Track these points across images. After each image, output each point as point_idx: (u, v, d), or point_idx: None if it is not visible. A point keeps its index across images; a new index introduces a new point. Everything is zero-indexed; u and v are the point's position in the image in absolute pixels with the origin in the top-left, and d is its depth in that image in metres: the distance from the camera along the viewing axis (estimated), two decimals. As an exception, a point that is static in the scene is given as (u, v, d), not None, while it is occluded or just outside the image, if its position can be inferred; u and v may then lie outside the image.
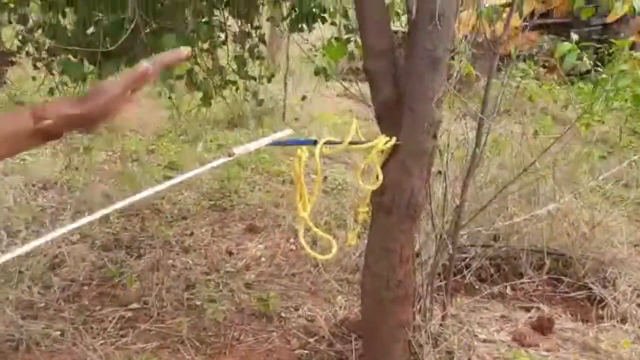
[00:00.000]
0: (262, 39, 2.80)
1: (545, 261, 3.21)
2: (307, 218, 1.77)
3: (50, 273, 3.16)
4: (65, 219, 3.73)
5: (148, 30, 2.13)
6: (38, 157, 4.91)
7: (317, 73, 2.86)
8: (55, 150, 5.09)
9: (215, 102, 4.37)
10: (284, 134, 0.97)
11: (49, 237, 0.85)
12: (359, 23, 1.86)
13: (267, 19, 3.15)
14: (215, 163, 0.87)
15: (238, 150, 0.89)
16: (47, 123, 0.87)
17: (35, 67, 2.32)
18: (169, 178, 3.59)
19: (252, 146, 0.93)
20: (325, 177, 4.75)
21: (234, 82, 2.80)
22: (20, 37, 2.29)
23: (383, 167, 1.86)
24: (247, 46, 2.65)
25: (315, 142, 1.59)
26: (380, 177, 1.83)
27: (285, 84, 6.54)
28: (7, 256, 0.83)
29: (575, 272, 3.22)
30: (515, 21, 2.59)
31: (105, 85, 0.90)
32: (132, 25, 1.96)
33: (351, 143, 1.74)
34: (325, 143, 1.71)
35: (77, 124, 0.91)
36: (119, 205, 0.86)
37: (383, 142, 1.80)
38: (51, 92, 2.61)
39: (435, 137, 1.85)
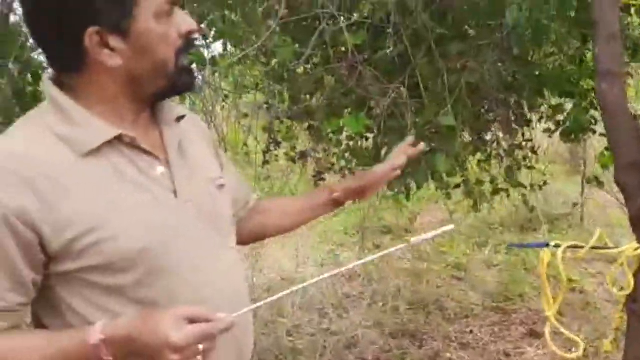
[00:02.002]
0: (533, 150, 3.03)
1: None
2: (553, 317, 1.91)
3: (347, 351, 3.75)
4: (362, 307, 4.37)
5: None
6: (350, 251, 5.82)
7: (589, 181, 2.92)
8: (362, 246, 5.95)
9: (502, 206, 4.64)
10: (448, 228, 1.16)
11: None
12: (608, 135, 2.00)
13: (544, 131, 3.37)
14: (393, 249, 1.13)
15: (414, 240, 1.14)
16: (337, 195, 1.40)
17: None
18: (455, 278, 3.99)
19: (427, 237, 1.13)
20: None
21: (506, 190, 3.06)
22: (334, 158, 3.03)
23: (636, 273, 1.89)
24: (518, 157, 2.91)
25: (547, 245, 1.78)
26: (632, 283, 1.87)
27: (583, 187, 6.37)
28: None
29: None
30: None
31: (374, 169, 1.44)
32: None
33: (595, 248, 1.85)
34: (568, 247, 1.87)
35: (356, 194, 1.45)
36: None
37: (633, 249, 1.85)
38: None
39: (694, 246, 1.81)
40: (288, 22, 2.58)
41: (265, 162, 2.77)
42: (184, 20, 1.00)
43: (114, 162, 0.98)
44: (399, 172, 1.47)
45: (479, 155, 3.02)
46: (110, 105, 0.99)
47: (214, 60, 2.21)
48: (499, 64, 2.42)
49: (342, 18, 2.45)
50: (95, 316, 0.95)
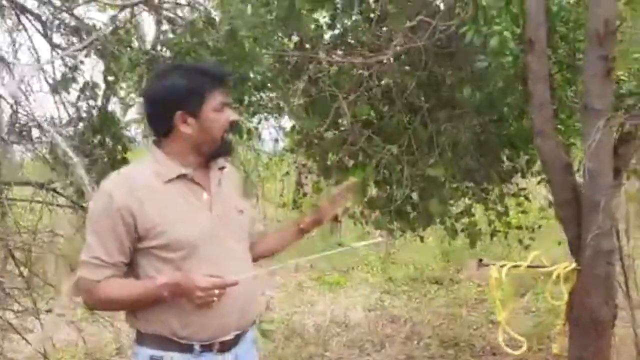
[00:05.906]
0: (526, 197, 3.54)
1: None
2: (503, 322, 2.44)
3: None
4: (396, 344, 4.87)
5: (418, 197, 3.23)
6: (397, 299, 6.31)
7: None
8: (409, 295, 6.42)
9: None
10: (378, 240, 1.73)
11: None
12: (547, 179, 2.54)
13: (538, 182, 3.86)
14: (333, 251, 1.69)
15: (354, 245, 1.71)
16: (303, 225, 1.95)
17: (361, 224, 3.65)
18: (492, 322, 4.58)
19: (365, 243, 1.72)
20: None
21: (504, 232, 3.57)
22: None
23: (572, 288, 2.38)
24: (509, 203, 3.44)
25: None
26: (565, 295, 2.36)
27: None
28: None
29: None
30: None
31: (322, 206, 1.90)
32: (406, 194, 3.09)
33: (532, 267, 2.37)
34: (511, 267, 2.41)
35: (315, 223, 1.95)
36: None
37: (562, 267, 2.36)
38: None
39: (609, 263, 2.30)
40: (314, 99, 3.34)
41: (295, 207, 3.48)
42: (230, 114, 1.72)
43: (180, 189, 1.68)
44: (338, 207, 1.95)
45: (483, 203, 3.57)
46: (182, 156, 1.70)
47: (248, 131, 2.99)
48: (476, 126, 3.03)
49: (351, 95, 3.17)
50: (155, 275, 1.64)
